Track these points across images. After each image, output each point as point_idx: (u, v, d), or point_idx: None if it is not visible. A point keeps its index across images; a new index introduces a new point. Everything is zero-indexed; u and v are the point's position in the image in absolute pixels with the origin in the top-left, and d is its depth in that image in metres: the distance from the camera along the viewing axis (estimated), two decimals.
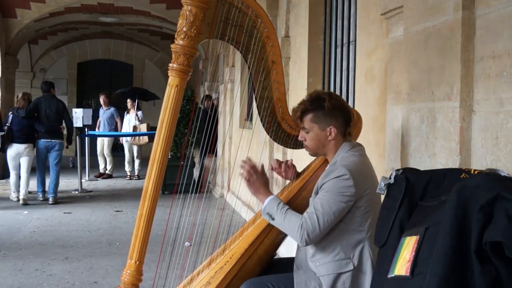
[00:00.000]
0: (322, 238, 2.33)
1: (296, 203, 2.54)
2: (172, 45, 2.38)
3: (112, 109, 11.69)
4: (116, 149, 11.95)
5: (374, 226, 2.28)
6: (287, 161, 2.78)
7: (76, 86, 16.81)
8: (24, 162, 8.28)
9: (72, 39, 15.99)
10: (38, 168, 8.45)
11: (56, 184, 8.46)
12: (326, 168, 2.42)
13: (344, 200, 2.27)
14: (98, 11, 11.96)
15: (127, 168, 11.57)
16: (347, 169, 2.28)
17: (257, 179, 2.47)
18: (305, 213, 2.34)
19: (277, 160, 2.78)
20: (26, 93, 8.79)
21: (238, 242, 2.55)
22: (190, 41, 2.33)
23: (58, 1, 10.86)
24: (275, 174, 2.81)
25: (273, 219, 2.37)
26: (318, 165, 2.68)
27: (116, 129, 11.72)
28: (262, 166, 2.56)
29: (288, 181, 2.77)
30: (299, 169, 2.79)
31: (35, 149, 8.45)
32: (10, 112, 8.49)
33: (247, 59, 2.52)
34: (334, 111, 2.40)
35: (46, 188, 8.52)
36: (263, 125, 2.64)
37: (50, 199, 8.36)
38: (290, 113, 2.61)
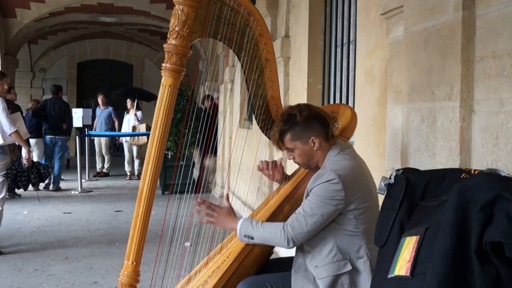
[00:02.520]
0: (319, 241, 2.33)
1: (292, 201, 2.56)
2: (164, 45, 2.37)
3: (110, 108, 11.70)
4: (114, 148, 11.96)
5: (370, 227, 2.29)
6: (274, 161, 2.77)
7: (76, 86, 16.81)
8: (35, 155, 9.37)
9: (72, 39, 15.99)
10: (46, 160, 9.50)
11: (59, 174, 9.83)
12: (316, 172, 2.42)
13: (333, 203, 2.27)
14: (98, 11, 11.97)
15: (126, 168, 11.57)
16: (336, 174, 2.28)
17: (219, 214, 2.47)
18: (293, 214, 2.34)
19: (266, 161, 2.77)
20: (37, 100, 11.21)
21: (235, 241, 2.55)
22: (183, 40, 2.33)
23: (58, 1, 10.86)
24: (264, 176, 2.81)
25: (252, 238, 2.36)
26: (306, 171, 2.67)
27: (113, 129, 11.73)
28: (227, 197, 2.55)
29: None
30: (290, 169, 2.78)
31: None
32: (25, 113, 9.68)
33: (240, 57, 2.52)
34: (308, 122, 2.39)
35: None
36: (258, 123, 2.64)
37: (53, 187, 9.64)
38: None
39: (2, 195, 5.58)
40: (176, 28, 2.32)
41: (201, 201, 2.50)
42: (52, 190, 9.55)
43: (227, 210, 2.49)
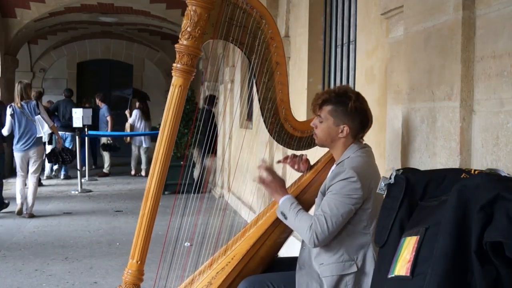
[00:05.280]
0: None
1: (305, 197, 2.57)
2: (176, 45, 2.37)
3: (104, 108, 11.82)
4: (108, 146, 12.00)
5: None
6: (302, 155, 2.78)
7: (76, 86, 16.78)
8: (49, 147, 9.99)
9: (72, 39, 15.98)
10: None
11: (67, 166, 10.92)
12: (333, 168, 2.43)
13: (352, 202, 2.28)
14: (98, 11, 11.96)
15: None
16: (355, 171, 2.28)
17: (275, 180, 2.52)
18: (314, 215, 2.35)
19: (292, 155, 2.78)
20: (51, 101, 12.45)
21: (240, 243, 2.55)
22: (194, 41, 2.33)
23: (58, 1, 10.85)
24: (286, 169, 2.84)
25: (286, 218, 2.41)
26: (322, 165, 2.68)
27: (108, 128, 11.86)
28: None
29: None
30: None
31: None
32: None
33: (251, 60, 2.51)
34: (354, 113, 2.39)
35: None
36: (266, 126, 2.64)
37: (62, 176, 11.05)
38: (294, 114, 2.63)
39: (38, 173, 7.47)
40: (188, 29, 2.32)
41: (264, 163, 2.59)
42: (63, 179, 10.92)
43: (282, 182, 2.55)
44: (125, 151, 12.44)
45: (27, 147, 7.15)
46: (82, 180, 9.85)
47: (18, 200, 7.26)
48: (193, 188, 3.43)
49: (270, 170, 2.55)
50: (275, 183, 2.52)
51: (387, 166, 2.89)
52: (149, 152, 11.42)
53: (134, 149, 11.81)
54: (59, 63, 16.68)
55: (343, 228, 2.32)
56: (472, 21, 2.20)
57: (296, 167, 2.76)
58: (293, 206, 2.41)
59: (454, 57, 2.24)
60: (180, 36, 2.35)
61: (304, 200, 2.55)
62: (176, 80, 2.35)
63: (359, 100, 2.43)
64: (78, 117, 10.14)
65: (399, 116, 2.74)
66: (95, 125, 11.31)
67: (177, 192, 3.34)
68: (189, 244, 3.98)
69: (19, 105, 7.09)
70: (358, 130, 2.42)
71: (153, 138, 11.30)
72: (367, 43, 3.65)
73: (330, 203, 2.29)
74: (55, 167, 11.15)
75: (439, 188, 1.78)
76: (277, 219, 2.54)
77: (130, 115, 11.83)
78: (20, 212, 7.24)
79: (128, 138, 11.79)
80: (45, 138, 7.59)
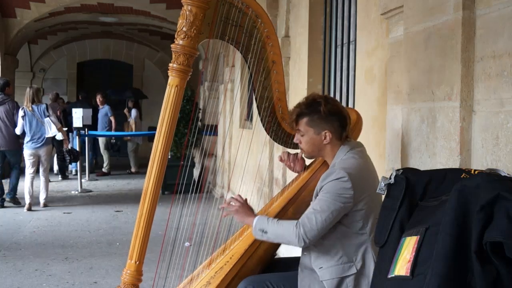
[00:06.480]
0: (325, 242, 2.33)
1: (302, 195, 2.57)
2: (172, 45, 2.37)
3: (106, 107, 11.88)
4: (109, 146, 12.08)
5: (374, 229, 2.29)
6: (297, 154, 2.78)
7: (76, 86, 16.77)
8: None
9: (71, 39, 15.97)
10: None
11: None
12: (326, 171, 2.42)
13: (342, 201, 2.27)
14: (98, 11, 11.96)
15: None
16: (346, 172, 2.28)
17: (243, 206, 2.51)
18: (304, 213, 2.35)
19: (287, 153, 2.78)
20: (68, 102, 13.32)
21: (239, 242, 2.55)
22: (190, 41, 2.33)
23: (58, 1, 10.85)
24: (275, 174, 2.84)
25: (266, 232, 2.37)
26: (318, 165, 2.68)
27: (111, 128, 11.88)
28: (246, 199, 2.60)
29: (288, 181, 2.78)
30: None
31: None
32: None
33: (247, 59, 2.52)
34: (329, 116, 2.40)
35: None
36: (263, 125, 2.65)
37: (73, 171, 11.42)
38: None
39: (48, 170, 8.12)
40: (184, 29, 2.32)
41: (232, 197, 2.57)
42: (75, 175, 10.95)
43: (249, 206, 2.54)
44: (125, 151, 12.51)
45: (37, 145, 7.82)
46: (82, 180, 9.85)
47: (27, 198, 7.74)
48: (191, 187, 3.43)
49: (239, 197, 2.56)
50: (245, 208, 2.51)
51: (387, 166, 2.88)
52: (140, 149, 12.14)
53: (130, 146, 12.10)
54: (59, 63, 16.67)
55: (338, 229, 2.32)
56: (472, 21, 2.19)
57: (292, 165, 2.77)
58: (270, 219, 2.39)
59: (454, 57, 2.24)
60: (176, 36, 2.35)
61: (301, 199, 2.55)
62: (173, 80, 2.36)
63: (329, 102, 2.44)
64: (78, 117, 10.14)
65: (399, 116, 2.74)
66: (94, 125, 11.36)
67: (176, 192, 3.34)
68: (188, 244, 3.97)
69: (30, 108, 7.75)
70: (339, 131, 2.43)
71: (151, 138, 11.44)
72: (367, 43, 3.65)
73: (321, 201, 2.29)
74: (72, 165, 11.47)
75: (439, 188, 1.78)
76: (283, 208, 2.54)
77: (129, 114, 12.20)
78: (29, 209, 7.73)
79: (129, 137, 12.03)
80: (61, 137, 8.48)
